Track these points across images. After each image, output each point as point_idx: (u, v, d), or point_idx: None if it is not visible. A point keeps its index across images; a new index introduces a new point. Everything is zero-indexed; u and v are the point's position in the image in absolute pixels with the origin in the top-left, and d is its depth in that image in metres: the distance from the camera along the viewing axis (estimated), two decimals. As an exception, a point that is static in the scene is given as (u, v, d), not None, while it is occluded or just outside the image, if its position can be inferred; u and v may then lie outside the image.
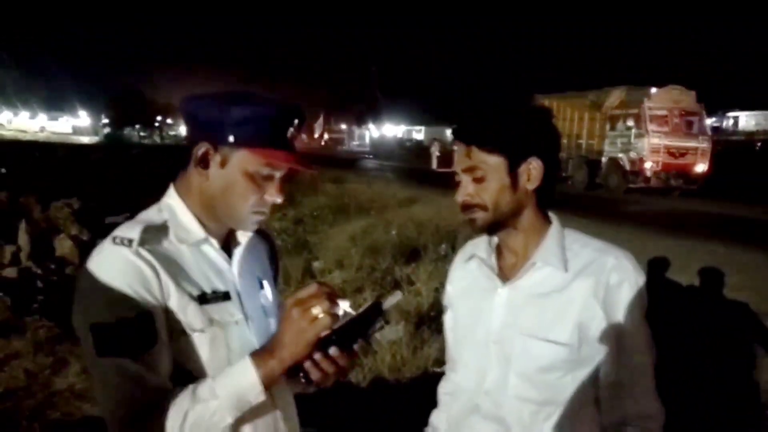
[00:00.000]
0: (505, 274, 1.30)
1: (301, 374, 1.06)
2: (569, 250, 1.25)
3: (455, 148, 1.28)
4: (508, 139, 1.20)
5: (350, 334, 1.02)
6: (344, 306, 1.01)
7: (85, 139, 41.47)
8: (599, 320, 1.18)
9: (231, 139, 1.07)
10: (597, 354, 1.20)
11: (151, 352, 1.00)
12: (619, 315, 1.18)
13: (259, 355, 1.04)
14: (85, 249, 5.99)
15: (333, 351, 1.01)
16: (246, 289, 1.19)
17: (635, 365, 1.21)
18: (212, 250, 1.16)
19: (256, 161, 1.09)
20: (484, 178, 1.21)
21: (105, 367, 0.99)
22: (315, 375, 1.03)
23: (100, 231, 6.14)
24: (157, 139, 57.11)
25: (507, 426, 1.24)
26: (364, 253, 7.20)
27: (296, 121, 1.13)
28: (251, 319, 1.17)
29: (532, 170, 1.22)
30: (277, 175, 1.13)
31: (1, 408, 3.56)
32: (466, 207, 1.25)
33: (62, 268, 6.49)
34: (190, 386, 1.01)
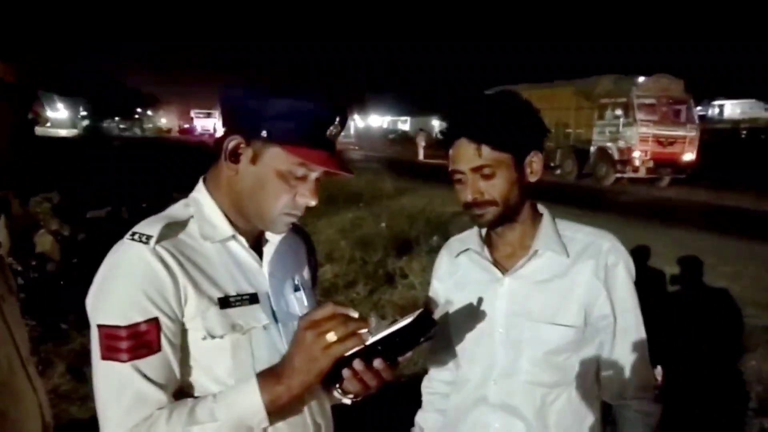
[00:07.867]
0: (501, 265, 1.31)
1: (338, 386, 0.98)
2: (563, 236, 1.29)
3: (453, 144, 1.25)
4: (516, 136, 1.22)
5: (397, 345, 0.91)
6: (366, 329, 0.90)
7: (63, 132, 40.54)
8: (602, 299, 1.24)
9: (264, 133, 0.98)
10: (600, 332, 1.26)
11: (154, 360, 0.94)
12: (618, 293, 1.25)
13: (266, 377, 0.95)
14: (66, 245, 5.75)
15: (377, 363, 0.90)
16: (277, 290, 1.10)
17: (633, 339, 1.26)
18: (240, 248, 1.08)
19: (290, 160, 1.00)
20: (494, 174, 1.21)
21: (106, 371, 0.94)
22: (354, 387, 0.94)
23: (82, 226, 5.94)
24: (138, 132, 56.24)
25: (518, 413, 1.26)
26: (355, 245, 7.04)
27: (338, 119, 1.02)
28: (282, 323, 1.08)
29: (534, 163, 1.26)
30: (312, 176, 1.03)
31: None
32: (475, 204, 1.24)
33: (43, 265, 6.26)
34: (189, 403, 0.94)
